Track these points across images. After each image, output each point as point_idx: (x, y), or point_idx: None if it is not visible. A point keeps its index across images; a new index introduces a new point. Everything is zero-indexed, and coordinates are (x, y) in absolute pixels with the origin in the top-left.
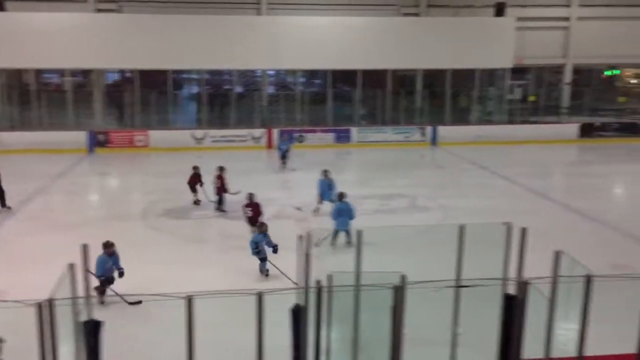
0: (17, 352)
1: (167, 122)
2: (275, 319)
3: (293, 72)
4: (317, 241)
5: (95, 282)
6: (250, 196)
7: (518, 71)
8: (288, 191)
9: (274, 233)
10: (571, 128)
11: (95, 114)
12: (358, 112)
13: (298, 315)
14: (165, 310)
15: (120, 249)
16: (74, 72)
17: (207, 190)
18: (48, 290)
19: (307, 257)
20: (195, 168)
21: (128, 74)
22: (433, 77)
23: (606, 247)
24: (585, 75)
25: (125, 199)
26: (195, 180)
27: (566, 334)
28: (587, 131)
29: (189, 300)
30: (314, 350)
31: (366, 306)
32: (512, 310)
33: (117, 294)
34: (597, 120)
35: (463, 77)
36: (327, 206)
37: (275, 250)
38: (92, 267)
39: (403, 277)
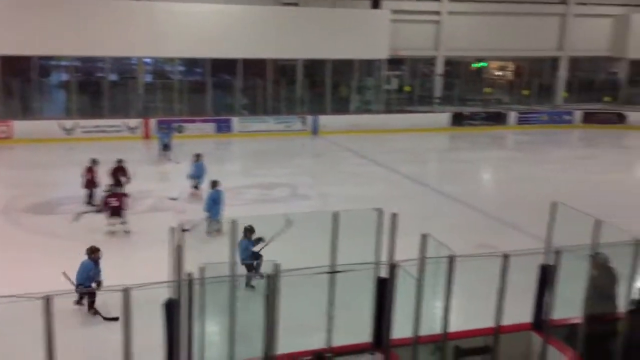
0: None
1: (32, 111)
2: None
3: (171, 61)
4: (189, 228)
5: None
6: (112, 188)
7: (394, 62)
8: (165, 183)
9: (150, 226)
10: (443, 117)
11: None
12: (239, 102)
13: (171, 309)
14: (19, 311)
15: None
16: None
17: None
18: None
19: (179, 249)
20: (120, 161)
21: None
22: (313, 67)
23: (474, 228)
24: (455, 67)
25: None
26: (118, 173)
27: (436, 312)
28: (457, 120)
29: (47, 301)
30: (187, 344)
31: (243, 296)
32: (384, 293)
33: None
34: (466, 109)
35: (342, 68)
36: (204, 192)
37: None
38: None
39: (276, 266)
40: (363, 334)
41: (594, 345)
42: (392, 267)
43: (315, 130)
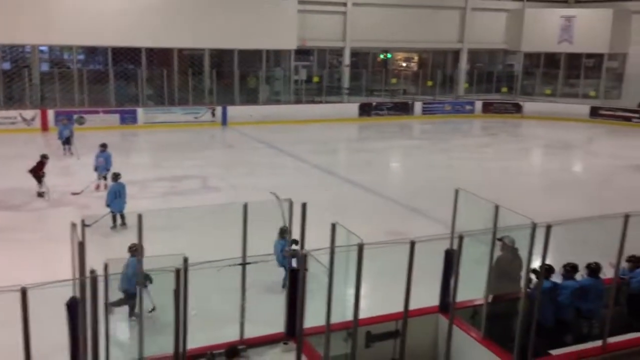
0: None
1: None
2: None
3: (70, 49)
4: (91, 223)
5: None
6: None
7: (302, 53)
8: (68, 177)
9: (52, 223)
10: (352, 107)
11: None
12: (144, 92)
13: (74, 308)
14: None
15: None
16: None
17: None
18: None
19: (81, 245)
20: (44, 157)
21: None
22: (221, 57)
23: (383, 216)
24: (362, 58)
25: None
26: (40, 169)
27: (348, 299)
28: (365, 110)
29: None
30: (92, 344)
31: (154, 291)
32: (296, 283)
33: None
34: (374, 100)
35: (251, 58)
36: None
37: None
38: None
39: (185, 260)
40: (276, 324)
41: (497, 324)
42: (304, 257)
43: (224, 121)
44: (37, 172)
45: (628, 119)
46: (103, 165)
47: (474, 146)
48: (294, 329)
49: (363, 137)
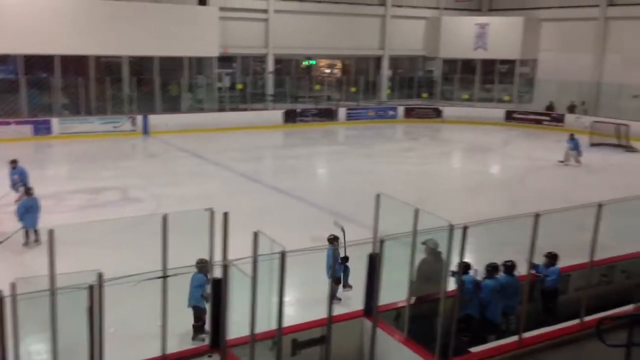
0: None
1: None
2: None
3: None
4: (2, 240)
5: None
6: None
7: (225, 60)
8: None
9: None
10: (276, 114)
11: None
12: (58, 102)
13: None
14: None
15: None
16: None
17: None
18: None
19: None
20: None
21: None
22: (140, 65)
23: (308, 222)
24: (286, 65)
25: None
26: None
27: (273, 308)
28: (290, 117)
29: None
30: None
31: (66, 310)
32: (219, 294)
33: None
34: (298, 106)
35: (172, 65)
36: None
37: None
38: None
39: (99, 275)
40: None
41: (420, 325)
42: (225, 268)
43: (145, 130)
44: None
45: (539, 121)
46: (19, 183)
47: (397, 151)
48: (218, 341)
49: (288, 143)
